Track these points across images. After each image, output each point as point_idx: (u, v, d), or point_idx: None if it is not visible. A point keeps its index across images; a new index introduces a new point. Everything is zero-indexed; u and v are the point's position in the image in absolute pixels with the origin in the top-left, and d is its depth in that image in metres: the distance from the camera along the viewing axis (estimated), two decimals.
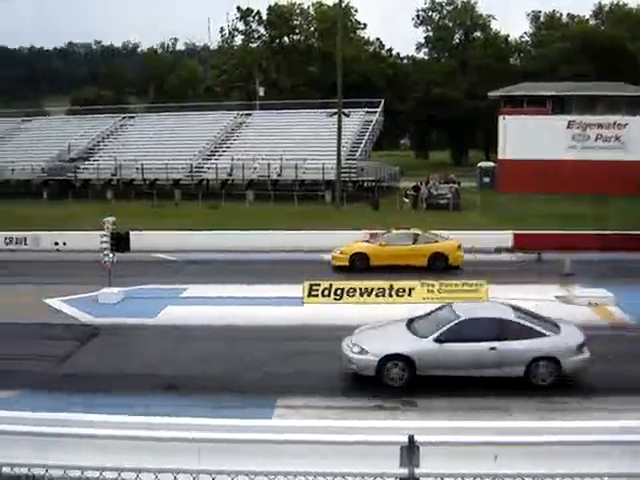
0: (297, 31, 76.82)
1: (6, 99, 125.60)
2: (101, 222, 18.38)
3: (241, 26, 76.65)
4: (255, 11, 75.43)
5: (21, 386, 11.73)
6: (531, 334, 11.77)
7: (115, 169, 46.59)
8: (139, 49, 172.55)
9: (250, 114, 54.96)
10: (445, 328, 11.85)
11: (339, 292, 17.74)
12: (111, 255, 17.97)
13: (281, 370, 12.59)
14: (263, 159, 45.00)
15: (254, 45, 76.32)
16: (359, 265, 22.27)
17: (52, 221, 30.22)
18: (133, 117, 57.47)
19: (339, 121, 39.54)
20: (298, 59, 72.82)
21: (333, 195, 40.49)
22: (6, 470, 4.58)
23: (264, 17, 75.36)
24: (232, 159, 45.95)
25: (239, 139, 50.74)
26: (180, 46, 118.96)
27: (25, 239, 26.69)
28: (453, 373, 11.68)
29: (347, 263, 22.54)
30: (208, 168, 46.53)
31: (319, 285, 17.80)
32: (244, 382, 11.99)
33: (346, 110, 45.66)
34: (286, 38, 76.16)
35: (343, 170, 40.42)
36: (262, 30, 76.39)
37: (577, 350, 11.64)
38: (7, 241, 26.94)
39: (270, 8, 74.08)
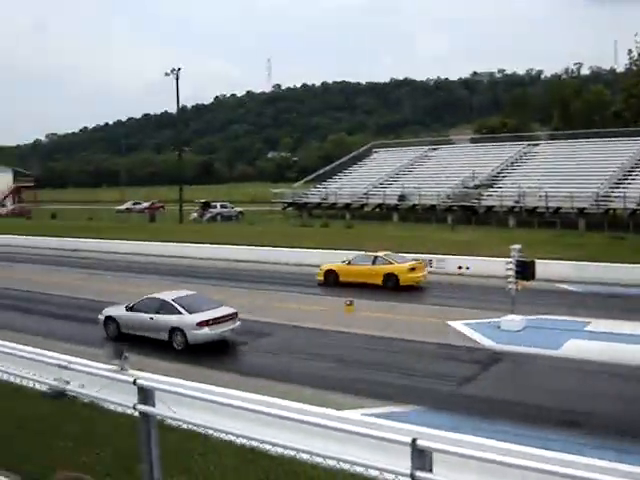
0: None
1: (415, 129, 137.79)
2: (508, 249, 18.64)
3: None
4: None
5: (418, 402, 12.44)
6: (173, 312, 16.70)
7: (518, 196, 46.96)
8: (542, 76, 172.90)
9: None
10: (133, 302, 17.76)
11: None
12: (515, 282, 18.10)
13: None
14: None
15: None
16: (331, 281, 25.54)
17: (456, 245, 31.93)
18: (537, 144, 57.44)
19: None
20: None
21: None
22: None
23: None
24: None
25: None
26: (585, 70, 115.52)
27: (431, 261, 28.62)
28: (135, 332, 17.23)
29: (322, 279, 25.89)
30: (616, 197, 43.65)
31: None
32: None
33: None
34: None
35: None
36: None
37: (197, 326, 16.15)
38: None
39: None
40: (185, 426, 5.83)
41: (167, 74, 56.74)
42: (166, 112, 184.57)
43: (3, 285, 26.52)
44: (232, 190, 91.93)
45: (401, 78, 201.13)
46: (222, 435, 5.65)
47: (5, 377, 6.62)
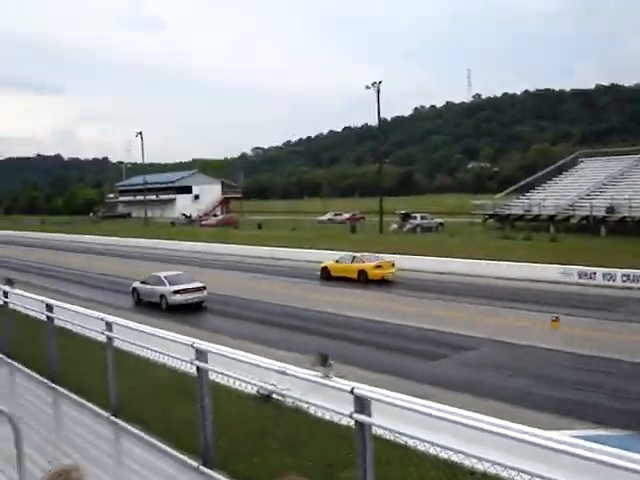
0: None
1: (624, 137, 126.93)
2: None
3: None
4: None
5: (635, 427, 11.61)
6: (162, 284, 25.18)
7: None
8: None
9: None
10: (144, 278, 26.55)
11: None
12: None
13: None
14: None
15: None
16: (325, 276, 32.13)
17: None
18: None
19: None
20: None
21: None
22: None
23: None
24: None
25: None
26: None
27: None
28: (148, 299, 25.73)
29: (320, 273, 32.57)
30: None
31: None
32: None
33: None
34: None
35: None
36: None
37: (173, 293, 24.58)
38: (624, 278, 27.31)
39: None
40: (386, 435, 5.96)
41: (368, 87, 58.20)
42: (366, 125, 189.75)
43: (226, 292, 28.44)
44: (431, 201, 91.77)
45: (607, 84, 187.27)
46: (423, 447, 5.63)
47: (224, 380, 7.26)
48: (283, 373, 6.15)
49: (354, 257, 31.61)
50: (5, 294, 12.37)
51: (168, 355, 7.68)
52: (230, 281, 32.26)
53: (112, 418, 8.42)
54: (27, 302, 12.21)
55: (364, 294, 27.53)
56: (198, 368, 6.81)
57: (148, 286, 25.82)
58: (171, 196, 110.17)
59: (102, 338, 8.84)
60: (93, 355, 10.15)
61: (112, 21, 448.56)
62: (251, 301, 26.59)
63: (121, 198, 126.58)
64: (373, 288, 28.78)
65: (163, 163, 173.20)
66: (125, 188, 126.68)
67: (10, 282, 13.15)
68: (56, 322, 10.32)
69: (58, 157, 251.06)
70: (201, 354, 6.77)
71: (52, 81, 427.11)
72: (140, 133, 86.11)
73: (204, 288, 25.31)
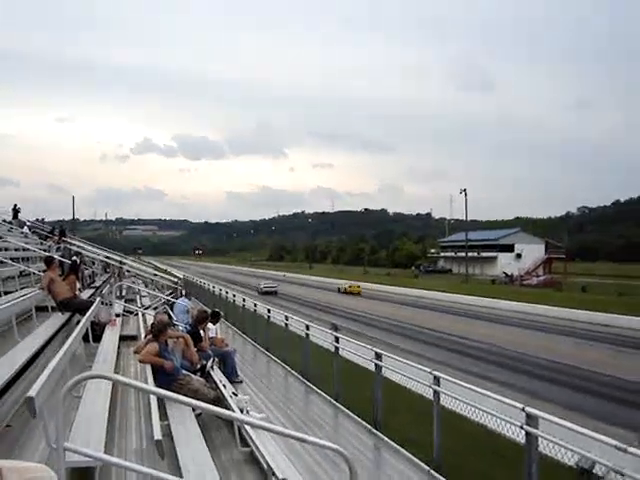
0: None
1: None
2: None
3: None
4: None
5: None
6: None
7: None
8: None
9: None
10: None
11: None
12: None
13: None
14: None
15: None
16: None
17: None
18: None
19: None
20: None
21: None
22: None
23: None
24: None
25: None
26: None
27: None
28: None
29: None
30: None
31: None
32: None
33: None
34: None
35: None
36: None
37: None
38: None
39: None
40: None
41: None
42: None
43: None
44: None
45: None
46: None
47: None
48: (624, 450, 5.65)
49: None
50: (337, 339, 13.27)
51: (495, 416, 7.59)
52: (558, 347, 30.54)
53: (432, 472, 8.48)
54: (353, 348, 12.88)
55: None
56: (527, 433, 6.64)
57: None
58: (492, 254, 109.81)
59: (423, 390, 9.09)
60: (414, 406, 10.56)
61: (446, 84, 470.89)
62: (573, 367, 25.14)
63: (442, 254, 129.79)
64: None
65: (484, 220, 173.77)
66: (447, 244, 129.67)
67: (335, 327, 14.19)
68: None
69: (384, 211, 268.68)
70: (532, 419, 6.59)
71: (384, 139, 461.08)
72: (464, 190, 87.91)
73: None
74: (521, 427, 6.72)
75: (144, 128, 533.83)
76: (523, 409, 6.69)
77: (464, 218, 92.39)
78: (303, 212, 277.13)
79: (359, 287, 66.47)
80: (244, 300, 23.83)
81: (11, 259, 15.79)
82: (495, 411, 7.51)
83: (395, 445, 9.62)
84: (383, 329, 36.85)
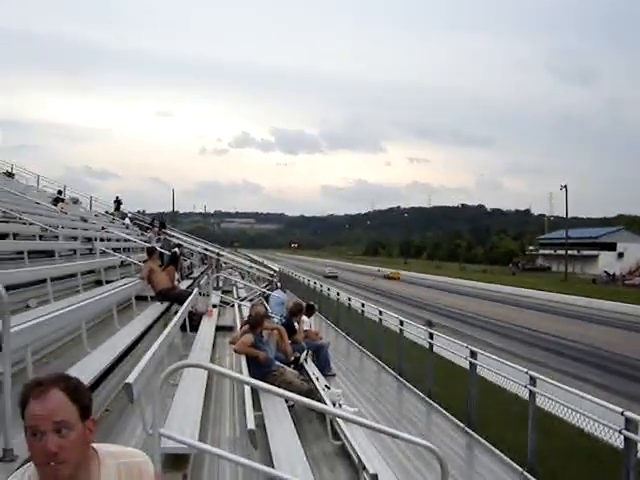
0: None
1: None
2: None
3: None
4: None
5: None
6: None
7: None
8: None
9: None
10: None
11: None
12: None
13: None
14: None
15: None
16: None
17: None
18: None
19: None
20: None
21: None
22: None
23: None
24: None
25: None
26: None
27: None
28: None
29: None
30: None
31: None
32: None
33: None
34: None
35: None
36: None
37: None
38: None
39: None
40: None
41: None
42: None
43: None
44: None
45: None
46: None
47: None
48: None
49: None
50: (431, 336, 13.13)
51: (593, 419, 7.36)
52: None
53: (526, 474, 8.27)
54: (447, 345, 12.87)
55: None
56: (626, 439, 6.43)
57: None
58: (593, 252, 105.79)
59: (518, 390, 8.81)
60: (509, 406, 10.23)
61: (545, 75, 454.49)
62: None
63: (541, 251, 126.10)
64: None
65: (585, 217, 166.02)
66: (546, 241, 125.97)
67: (430, 324, 14.01)
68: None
69: (481, 207, 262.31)
70: (631, 424, 6.39)
71: (482, 134, 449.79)
72: (565, 186, 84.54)
73: None
74: (620, 432, 6.52)
75: (242, 122, 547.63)
76: (622, 413, 6.51)
77: (564, 215, 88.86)
78: (399, 207, 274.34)
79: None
80: (338, 294, 23.89)
81: (113, 249, 16.43)
82: (592, 414, 7.30)
83: (488, 445, 9.41)
84: (478, 327, 36.04)
